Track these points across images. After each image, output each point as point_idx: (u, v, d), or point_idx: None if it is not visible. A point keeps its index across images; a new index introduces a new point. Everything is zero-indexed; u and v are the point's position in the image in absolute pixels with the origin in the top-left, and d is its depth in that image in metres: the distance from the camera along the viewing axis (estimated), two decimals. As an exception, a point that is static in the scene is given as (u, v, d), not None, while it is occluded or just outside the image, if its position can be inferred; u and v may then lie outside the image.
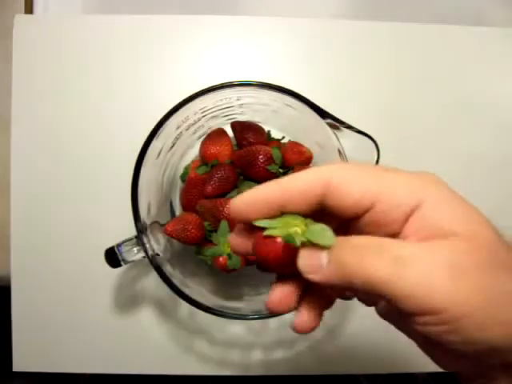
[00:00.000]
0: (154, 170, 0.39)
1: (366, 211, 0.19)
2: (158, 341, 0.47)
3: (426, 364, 0.48)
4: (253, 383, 0.61)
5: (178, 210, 0.46)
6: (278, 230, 0.19)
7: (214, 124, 0.44)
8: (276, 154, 0.41)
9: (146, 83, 0.48)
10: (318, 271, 0.18)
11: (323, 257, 0.18)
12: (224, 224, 0.39)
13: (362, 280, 0.17)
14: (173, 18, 0.49)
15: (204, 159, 0.43)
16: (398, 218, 0.18)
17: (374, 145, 0.35)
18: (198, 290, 0.39)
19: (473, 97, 0.50)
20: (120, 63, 0.48)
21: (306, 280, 0.19)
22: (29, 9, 0.50)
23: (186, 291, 0.35)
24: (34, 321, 0.47)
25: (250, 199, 0.20)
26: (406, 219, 0.18)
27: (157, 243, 0.36)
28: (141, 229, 0.35)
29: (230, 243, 0.22)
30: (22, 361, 0.47)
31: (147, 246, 0.34)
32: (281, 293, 0.21)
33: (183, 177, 0.44)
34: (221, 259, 0.38)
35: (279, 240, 0.19)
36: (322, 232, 0.18)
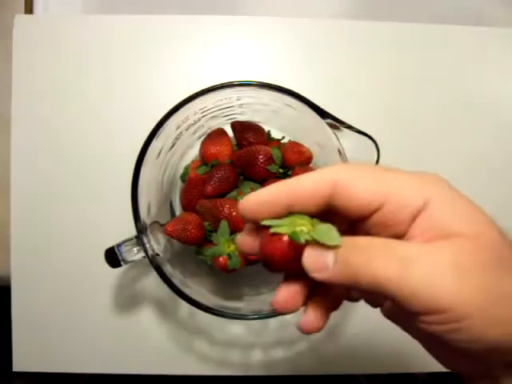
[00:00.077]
0: (154, 170, 0.39)
1: (374, 212, 0.19)
2: (158, 341, 0.47)
3: (426, 364, 0.48)
4: (253, 383, 0.61)
5: (178, 210, 0.46)
6: (284, 227, 0.19)
7: (214, 124, 0.44)
8: (276, 154, 0.41)
9: (146, 83, 0.48)
10: (324, 270, 0.18)
11: (329, 256, 0.18)
12: (224, 224, 0.39)
13: (368, 280, 0.17)
14: (173, 17, 0.49)
15: (204, 159, 0.43)
16: (405, 219, 0.18)
17: (373, 145, 0.35)
18: (198, 289, 0.39)
19: (473, 97, 0.50)
20: (120, 63, 0.48)
21: (312, 279, 0.19)
22: (29, 9, 0.50)
23: (186, 291, 0.35)
24: (34, 321, 0.47)
25: (258, 199, 0.20)
26: (413, 219, 0.18)
27: (157, 243, 0.36)
28: (141, 229, 0.35)
29: (238, 243, 0.22)
30: (22, 361, 0.47)
31: (147, 245, 0.34)
32: (287, 292, 0.21)
33: (183, 177, 0.44)
34: (221, 259, 0.38)
35: (285, 238, 0.19)
36: (328, 232, 0.18)
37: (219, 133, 0.43)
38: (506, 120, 0.50)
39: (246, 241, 0.22)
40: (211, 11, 0.51)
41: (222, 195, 0.42)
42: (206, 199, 0.41)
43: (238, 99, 0.40)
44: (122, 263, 0.35)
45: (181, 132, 0.40)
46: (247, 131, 0.43)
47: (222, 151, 0.42)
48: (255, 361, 0.47)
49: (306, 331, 0.21)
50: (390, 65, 0.50)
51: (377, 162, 0.35)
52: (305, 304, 0.22)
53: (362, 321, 0.47)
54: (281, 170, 0.42)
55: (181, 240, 0.38)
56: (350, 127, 0.35)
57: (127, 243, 0.35)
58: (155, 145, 0.36)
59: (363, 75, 0.50)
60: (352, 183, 0.19)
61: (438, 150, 0.49)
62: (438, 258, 0.17)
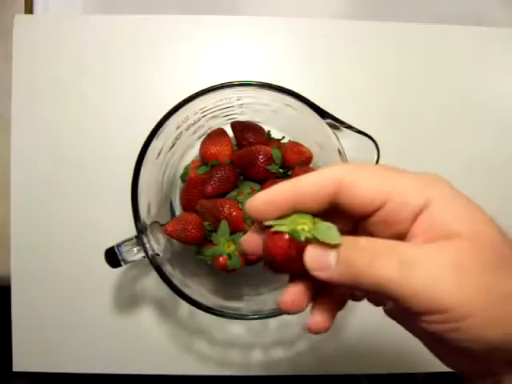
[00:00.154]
0: (154, 170, 0.39)
1: (377, 210, 0.19)
2: (158, 341, 0.47)
3: (426, 364, 0.48)
4: (253, 383, 0.61)
5: (178, 210, 0.46)
6: (285, 226, 0.19)
7: (214, 124, 0.44)
8: (276, 154, 0.41)
9: (146, 83, 0.48)
10: (326, 269, 0.19)
11: (331, 256, 0.19)
12: (224, 224, 0.39)
13: (371, 281, 0.18)
14: (173, 17, 0.49)
15: (204, 159, 0.43)
16: (407, 217, 0.19)
17: (373, 145, 0.35)
18: (198, 289, 0.39)
19: (473, 97, 0.50)
20: (120, 63, 0.48)
21: (314, 278, 0.19)
22: (29, 9, 0.50)
23: (186, 291, 0.35)
24: (33, 321, 0.47)
25: (265, 199, 0.20)
26: (415, 218, 0.19)
27: (157, 243, 0.36)
28: (141, 229, 0.35)
29: (242, 244, 0.22)
30: (22, 361, 0.47)
31: (147, 245, 0.34)
32: (293, 293, 0.21)
33: (183, 177, 0.44)
34: (221, 259, 0.38)
35: (286, 236, 0.19)
36: (329, 230, 0.19)
37: (219, 133, 0.43)
38: (506, 120, 0.50)
39: (250, 241, 0.22)
40: (211, 11, 0.51)
41: (222, 195, 0.42)
42: (206, 199, 0.41)
43: (238, 99, 0.40)
44: (122, 263, 0.35)
45: (181, 132, 0.40)
46: (247, 131, 0.43)
47: (222, 151, 0.42)
48: (255, 361, 0.47)
49: (313, 331, 0.22)
50: (390, 65, 0.50)
51: (377, 162, 0.35)
52: (311, 303, 0.22)
53: (362, 321, 0.47)
54: (281, 170, 0.42)
55: (181, 240, 0.38)
56: (350, 127, 0.35)
57: (127, 243, 0.35)
58: (155, 145, 0.36)
59: (363, 75, 0.50)
60: (356, 182, 0.19)
61: (438, 150, 0.49)
62: (438, 258, 0.17)
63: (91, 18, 0.49)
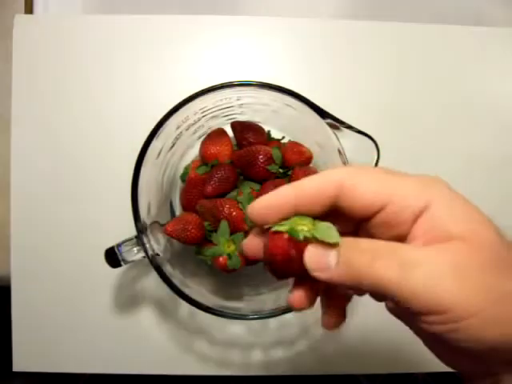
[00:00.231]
0: (154, 170, 0.39)
1: (378, 212, 0.19)
2: (158, 341, 0.47)
3: (426, 364, 0.48)
4: (253, 383, 0.61)
5: (178, 210, 0.46)
6: (284, 226, 0.20)
7: (214, 124, 0.44)
8: (276, 154, 0.41)
9: (146, 83, 0.48)
10: (326, 270, 0.19)
11: (331, 256, 0.19)
12: (224, 224, 0.39)
13: (371, 281, 0.18)
14: (173, 18, 0.49)
15: (204, 159, 0.43)
16: (407, 219, 0.19)
17: (373, 145, 0.35)
18: (198, 289, 0.39)
19: (473, 97, 0.50)
20: (120, 63, 0.48)
21: (313, 278, 0.19)
22: (29, 9, 0.50)
23: (186, 291, 0.35)
24: (33, 321, 0.47)
25: (266, 203, 0.20)
26: (415, 220, 0.19)
27: (157, 243, 0.36)
28: (141, 229, 0.35)
29: (244, 248, 0.23)
30: (22, 361, 0.47)
31: (147, 245, 0.34)
32: (302, 292, 0.21)
33: (183, 177, 0.44)
34: (221, 259, 0.38)
35: (285, 235, 0.19)
36: (328, 230, 0.19)
37: (219, 133, 0.43)
38: (506, 120, 0.50)
39: (251, 244, 0.22)
40: (211, 11, 0.51)
41: (222, 195, 0.42)
42: (206, 199, 0.41)
43: (238, 99, 0.40)
44: (122, 263, 0.35)
45: (181, 132, 0.40)
46: (247, 131, 0.43)
47: (222, 151, 0.42)
48: (255, 361, 0.47)
49: (329, 330, 0.22)
50: (389, 65, 0.50)
51: (377, 161, 0.35)
52: (322, 302, 0.22)
53: (362, 321, 0.47)
54: (281, 170, 0.42)
55: (181, 240, 0.38)
56: (350, 127, 0.35)
57: (127, 243, 0.35)
58: (155, 145, 0.36)
59: (363, 75, 0.50)
60: (357, 184, 0.19)
61: (438, 150, 0.49)
62: (437, 259, 0.17)
63: (91, 18, 0.49)
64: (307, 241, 0.19)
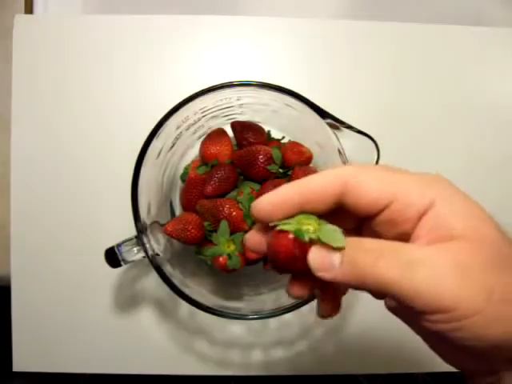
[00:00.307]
0: (154, 170, 0.39)
1: (382, 210, 0.19)
2: (158, 341, 0.47)
3: (426, 364, 0.48)
4: (253, 383, 0.61)
5: (178, 210, 0.46)
6: (289, 225, 0.20)
7: (214, 124, 0.44)
8: (276, 154, 0.41)
9: (146, 83, 0.48)
10: (330, 270, 0.19)
11: (335, 256, 0.19)
12: (224, 224, 0.39)
13: (375, 281, 0.18)
14: (173, 18, 0.49)
15: (204, 159, 0.43)
16: (411, 217, 0.19)
17: (373, 145, 0.35)
18: (198, 290, 0.39)
19: (473, 97, 0.50)
20: (120, 63, 0.48)
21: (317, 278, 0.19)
22: (29, 9, 0.50)
23: (186, 291, 0.35)
24: (33, 321, 0.47)
25: (271, 201, 0.21)
26: (419, 218, 0.19)
27: (157, 243, 0.36)
28: (141, 229, 0.35)
29: (246, 243, 0.23)
30: (22, 361, 0.47)
31: (147, 245, 0.34)
32: (299, 282, 0.22)
33: (183, 177, 0.44)
34: (221, 259, 0.38)
35: (290, 235, 0.19)
36: (334, 234, 0.19)
37: (219, 133, 0.43)
38: (506, 120, 0.50)
39: (253, 239, 0.22)
40: (211, 11, 0.51)
41: (222, 195, 0.42)
42: (206, 199, 0.41)
43: (238, 99, 0.40)
44: (122, 263, 0.35)
45: (181, 132, 0.40)
46: (247, 131, 0.43)
47: (222, 151, 0.42)
48: (255, 361, 0.47)
49: (323, 318, 0.23)
50: (389, 65, 0.50)
51: (377, 162, 0.35)
52: (318, 293, 0.23)
53: (362, 321, 0.47)
54: (281, 170, 0.42)
55: (181, 240, 0.38)
56: (350, 127, 0.35)
57: (127, 243, 0.35)
58: (155, 145, 0.36)
59: (363, 75, 0.50)
60: (362, 182, 0.20)
61: (438, 150, 0.49)
62: (440, 258, 0.17)
63: (91, 18, 0.49)
64: (312, 241, 0.19)
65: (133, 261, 0.35)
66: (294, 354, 0.48)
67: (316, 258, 0.19)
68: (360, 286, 0.19)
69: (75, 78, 0.48)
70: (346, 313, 0.47)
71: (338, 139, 0.35)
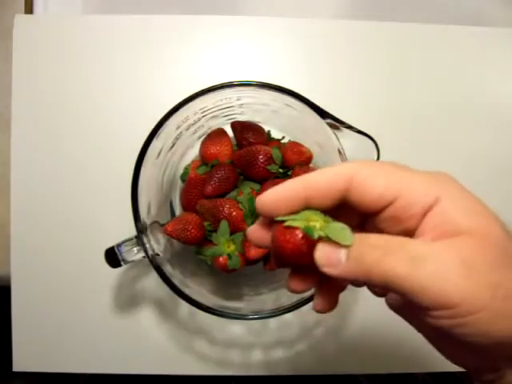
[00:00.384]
0: (154, 170, 0.39)
1: (387, 206, 0.20)
2: (158, 341, 0.47)
3: (426, 364, 0.48)
4: (253, 383, 0.61)
5: (178, 210, 0.46)
6: (298, 221, 0.20)
7: (214, 124, 0.44)
8: (276, 154, 0.41)
9: (146, 83, 0.48)
10: (336, 266, 0.19)
11: (342, 253, 0.19)
12: (224, 224, 0.39)
13: (380, 276, 0.18)
14: (173, 18, 0.49)
15: (204, 159, 0.43)
16: (416, 214, 0.19)
17: (373, 145, 0.35)
18: (198, 290, 0.39)
19: (473, 97, 0.50)
20: (120, 63, 0.48)
21: (323, 273, 0.19)
22: (29, 9, 0.50)
23: (186, 291, 0.35)
24: (33, 321, 0.47)
25: (276, 195, 0.21)
26: (424, 215, 0.19)
27: (157, 243, 0.36)
28: (141, 229, 0.35)
29: (249, 236, 0.23)
30: (22, 361, 0.47)
31: (147, 245, 0.34)
32: (299, 277, 0.22)
33: (183, 177, 0.44)
34: (221, 259, 0.38)
35: (298, 232, 0.19)
36: (343, 231, 0.19)
37: (219, 133, 0.43)
38: (506, 120, 0.50)
39: (257, 233, 0.22)
40: (211, 11, 0.51)
41: (222, 195, 0.42)
42: (206, 199, 0.41)
43: (238, 99, 0.40)
44: (122, 263, 0.35)
45: (181, 132, 0.40)
46: (247, 131, 0.43)
47: (222, 151, 0.42)
48: (255, 361, 0.47)
49: (319, 312, 0.23)
50: (389, 65, 0.50)
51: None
52: (315, 287, 0.23)
53: (362, 321, 0.47)
54: (281, 170, 0.42)
55: (181, 240, 0.38)
56: (350, 127, 0.35)
57: (127, 243, 0.35)
58: (155, 145, 0.36)
59: (363, 75, 0.50)
60: (367, 179, 0.20)
61: (438, 150, 0.49)
62: (446, 254, 0.18)
63: (91, 18, 0.49)
64: (320, 238, 0.19)
65: (133, 261, 0.35)
66: (293, 354, 0.48)
67: (323, 254, 0.19)
68: (366, 282, 0.19)
69: (75, 78, 0.48)
70: (346, 313, 0.47)
71: (338, 139, 0.35)
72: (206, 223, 0.40)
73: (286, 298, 0.37)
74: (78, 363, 0.47)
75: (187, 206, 0.43)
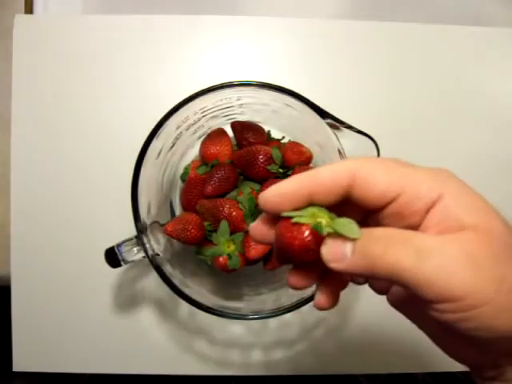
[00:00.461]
0: (154, 170, 0.39)
1: (390, 202, 0.20)
2: (158, 341, 0.47)
3: (426, 364, 0.48)
4: (253, 383, 0.61)
5: (178, 210, 0.46)
6: (305, 218, 0.20)
7: (214, 124, 0.44)
8: (276, 154, 0.41)
9: (146, 83, 0.48)
10: (342, 260, 0.19)
11: (347, 247, 0.19)
12: (224, 224, 0.39)
13: (385, 269, 0.18)
14: (173, 18, 0.49)
15: (204, 159, 0.43)
16: (419, 210, 0.19)
17: (373, 145, 0.35)
18: (198, 290, 0.39)
19: (473, 97, 0.50)
20: (120, 63, 0.48)
21: (329, 269, 0.19)
22: (29, 9, 0.50)
23: (186, 291, 0.35)
24: (33, 321, 0.47)
25: (279, 192, 0.21)
26: (427, 211, 0.19)
27: (157, 243, 0.36)
28: (141, 229, 0.35)
29: (251, 232, 0.23)
30: (22, 361, 0.47)
31: (147, 245, 0.34)
32: (300, 274, 0.22)
33: (183, 177, 0.44)
34: (221, 259, 0.38)
35: (305, 228, 0.19)
36: (349, 225, 0.19)
37: (219, 133, 0.43)
38: (506, 120, 0.50)
39: (259, 229, 0.22)
40: (211, 11, 0.51)
41: (222, 195, 0.42)
42: (206, 199, 0.41)
43: (238, 99, 0.40)
44: (122, 263, 0.35)
45: (181, 132, 0.40)
46: (247, 131, 0.43)
47: (222, 151, 0.42)
48: (255, 361, 0.47)
49: (319, 309, 0.23)
50: (389, 65, 0.50)
51: (377, 161, 0.35)
52: (316, 284, 0.23)
53: (362, 321, 0.47)
54: (281, 170, 0.42)
55: (181, 240, 0.38)
56: (350, 127, 0.35)
57: (127, 243, 0.35)
58: (155, 145, 0.36)
59: (363, 75, 0.50)
60: (370, 175, 0.20)
61: (438, 150, 0.49)
62: (451, 248, 0.18)
63: (91, 18, 0.49)
64: (328, 234, 0.19)
65: (133, 261, 0.35)
66: (293, 354, 0.48)
67: (329, 249, 0.19)
68: (371, 276, 0.19)
69: (75, 78, 0.48)
70: (346, 313, 0.47)
71: (338, 139, 0.35)
72: (206, 223, 0.40)
73: (286, 298, 0.37)
74: (78, 363, 0.47)
75: (187, 205, 0.43)
